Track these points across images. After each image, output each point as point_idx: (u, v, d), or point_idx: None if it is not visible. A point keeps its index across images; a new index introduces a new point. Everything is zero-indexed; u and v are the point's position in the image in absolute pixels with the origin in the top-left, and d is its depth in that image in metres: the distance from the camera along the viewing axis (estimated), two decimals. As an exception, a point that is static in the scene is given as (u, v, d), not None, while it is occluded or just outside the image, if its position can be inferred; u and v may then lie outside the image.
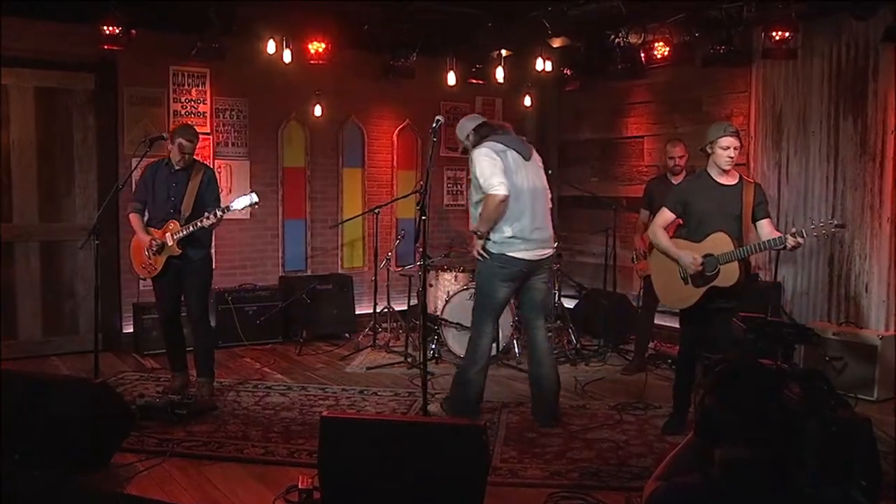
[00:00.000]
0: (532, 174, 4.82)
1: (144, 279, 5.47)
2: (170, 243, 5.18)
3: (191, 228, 5.12)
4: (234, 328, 6.99)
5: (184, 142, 5.22)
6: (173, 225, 5.19)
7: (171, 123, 6.92)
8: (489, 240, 4.71)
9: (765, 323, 3.70)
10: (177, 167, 5.30)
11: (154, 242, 5.22)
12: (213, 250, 5.69)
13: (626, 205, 7.64)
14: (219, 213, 5.08)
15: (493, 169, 4.60)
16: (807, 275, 6.45)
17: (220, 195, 5.47)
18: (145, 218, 5.39)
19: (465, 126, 4.94)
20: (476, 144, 4.78)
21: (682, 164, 6.03)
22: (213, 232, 5.57)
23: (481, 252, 4.74)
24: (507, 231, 4.67)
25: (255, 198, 5.20)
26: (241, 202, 5.15)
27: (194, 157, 5.38)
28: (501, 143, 4.73)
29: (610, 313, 6.94)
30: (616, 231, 6.90)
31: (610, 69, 7.11)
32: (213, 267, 5.70)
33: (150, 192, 5.34)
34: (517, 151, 4.77)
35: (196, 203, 5.23)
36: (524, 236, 4.70)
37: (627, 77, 7.23)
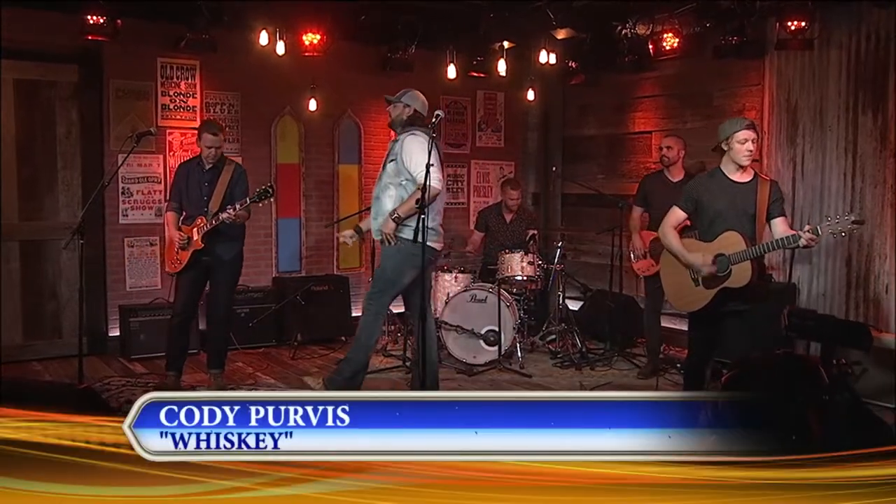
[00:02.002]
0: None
1: (172, 275, 5.67)
2: (194, 238, 5.36)
3: (213, 223, 5.29)
4: (225, 331, 6.78)
5: (208, 135, 5.37)
6: (201, 221, 5.37)
7: (158, 118, 6.76)
8: (406, 226, 4.82)
9: (813, 317, 3.49)
10: (207, 165, 5.45)
11: (182, 238, 5.40)
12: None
13: (632, 203, 7.41)
14: (238, 207, 5.23)
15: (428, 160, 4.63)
16: (823, 275, 6.25)
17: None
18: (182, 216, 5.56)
19: (420, 105, 5.06)
20: (405, 126, 5.01)
21: (669, 156, 5.99)
22: (245, 228, 5.63)
23: (393, 237, 4.83)
24: (429, 222, 4.75)
25: (270, 192, 5.28)
26: (259, 195, 5.24)
27: (223, 154, 5.52)
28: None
29: (616, 316, 6.74)
30: (623, 230, 6.71)
31: (617, 62, 6.99)
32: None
33: (185, 192, 5.50)
34: (437, 150, 4.95)
35: (225, 200, 5.37)
36: (437, 229, 5.03)
37: (635, 70, 7.08)
